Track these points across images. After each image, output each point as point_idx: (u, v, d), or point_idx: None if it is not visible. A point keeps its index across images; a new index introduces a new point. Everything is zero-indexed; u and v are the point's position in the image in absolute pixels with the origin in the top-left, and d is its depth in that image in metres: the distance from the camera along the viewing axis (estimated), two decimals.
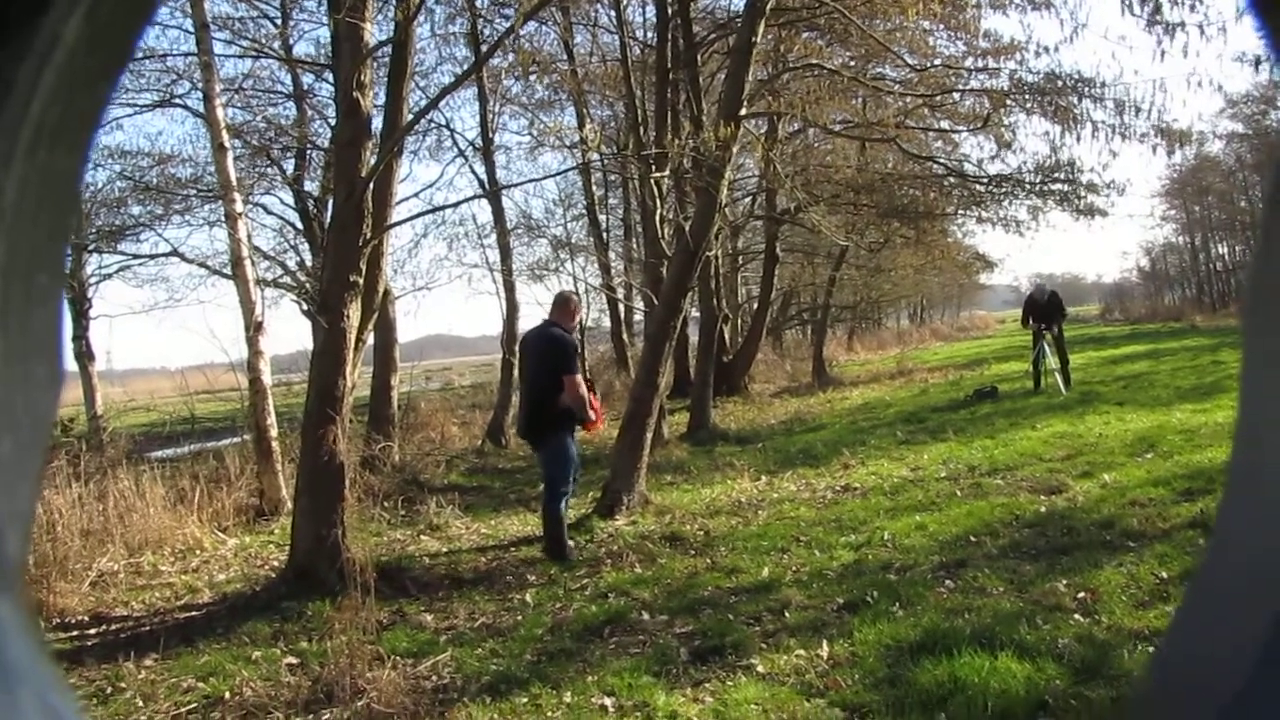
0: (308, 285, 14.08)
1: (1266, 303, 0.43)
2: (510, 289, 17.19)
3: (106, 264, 19.25)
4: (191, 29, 12.04)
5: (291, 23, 17.17)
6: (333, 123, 14.42)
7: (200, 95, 12.30)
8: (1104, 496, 8.12)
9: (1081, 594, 5.63)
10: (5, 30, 0.41)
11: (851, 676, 4.77)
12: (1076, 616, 5.27)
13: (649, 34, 18.51)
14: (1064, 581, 5.90)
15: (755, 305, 26.38)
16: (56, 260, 0.48)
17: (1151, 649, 4.66)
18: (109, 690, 5.54)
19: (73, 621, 7.01)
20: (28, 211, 0.43)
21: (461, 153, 18.59)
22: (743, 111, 10.24)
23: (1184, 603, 0.47)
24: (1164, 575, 5.77)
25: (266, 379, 10.71)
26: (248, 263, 10.60)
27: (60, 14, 0.42)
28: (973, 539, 7.26)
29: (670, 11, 14.48)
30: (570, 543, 8.15)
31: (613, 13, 17.03)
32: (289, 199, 19.55)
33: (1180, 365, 19.23)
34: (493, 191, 16.45)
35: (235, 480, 10.86)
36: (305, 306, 15.23)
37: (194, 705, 5.15)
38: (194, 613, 7.15)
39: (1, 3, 0.41)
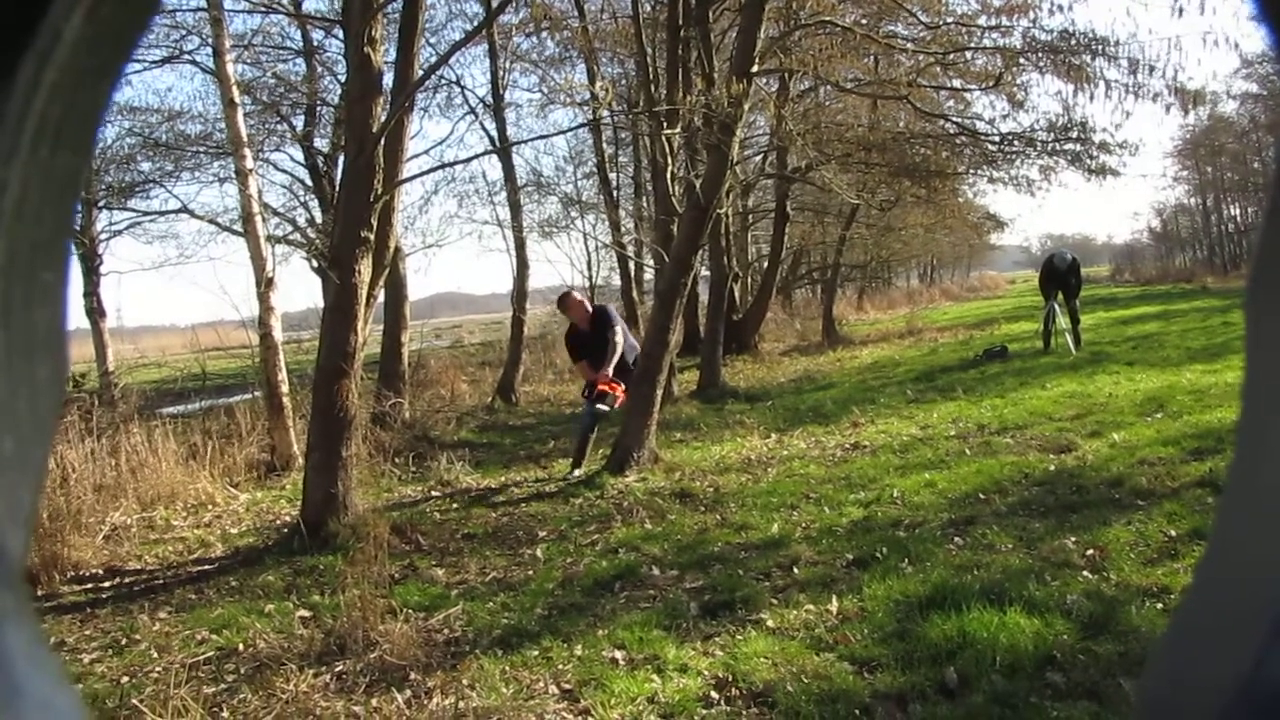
0: (318, 242, 14.06)
1: (1276, 285, 0.42)
2: (520, 246, 17.17)
3: (117, 220, 19.23)
4: None
5: None
6: (343, 79, 14.38)
7: (210, 51, 12.26)
8: (1113, 455, 8.13)
9: (1090, 551, 5.64)
10: (6, 28, 0.41)
11: (861, 631, 4.80)
12: (1085, 573, 5.29)
13: None
14: (1073, 539, 5.92)
15: (766, 264, 26.33)
16: (60, 258, 0.48)
17: (1160, 605, 4.68)
18: (124, 642, 5.60)
19: (87, 574, 7.08)
20: (31, 209, 0.43)
21: (472, 109, 18.57)
22: (754, 68, 10.17)
23: (1182, 606, 0.47)
24: (1172, 533, 5.78)
25: (278, 335, 10.74)
26: (258, 219, 10.60)
27: (62, 11, 0.42)
28: (982, 496, 7.27)
29: None
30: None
31: None
32: (299, 155, 19.56)
33: (1190, 326, 19.16)
34: (503, 148, 16.39)
35: (246, 436, 10.91)
36: (316, 263, 15.22)
37: (208, 656, 5.21)
38: (207, 566, 7.22)
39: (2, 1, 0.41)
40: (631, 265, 20.79)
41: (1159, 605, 4.68)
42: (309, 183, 19.34)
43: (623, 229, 21.72)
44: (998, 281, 79.52)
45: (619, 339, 9.50)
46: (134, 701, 4.43)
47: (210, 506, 9.03)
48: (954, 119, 19.63)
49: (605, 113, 16.29)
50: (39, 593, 6.65)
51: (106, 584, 6.90)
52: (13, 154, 0.42)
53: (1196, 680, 0.43)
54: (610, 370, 9.47)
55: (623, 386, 9.62)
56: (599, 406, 9.59)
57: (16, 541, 0.42)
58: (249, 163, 10.79)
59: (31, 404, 0.44)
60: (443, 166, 18.75)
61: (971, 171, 22.39)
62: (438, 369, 18.82)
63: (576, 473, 9.61)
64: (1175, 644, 0.46)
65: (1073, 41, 14.48)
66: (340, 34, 13.41)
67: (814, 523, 7.04)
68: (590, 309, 9.78)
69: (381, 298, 9.90)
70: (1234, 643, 0.40)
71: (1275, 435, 0.41)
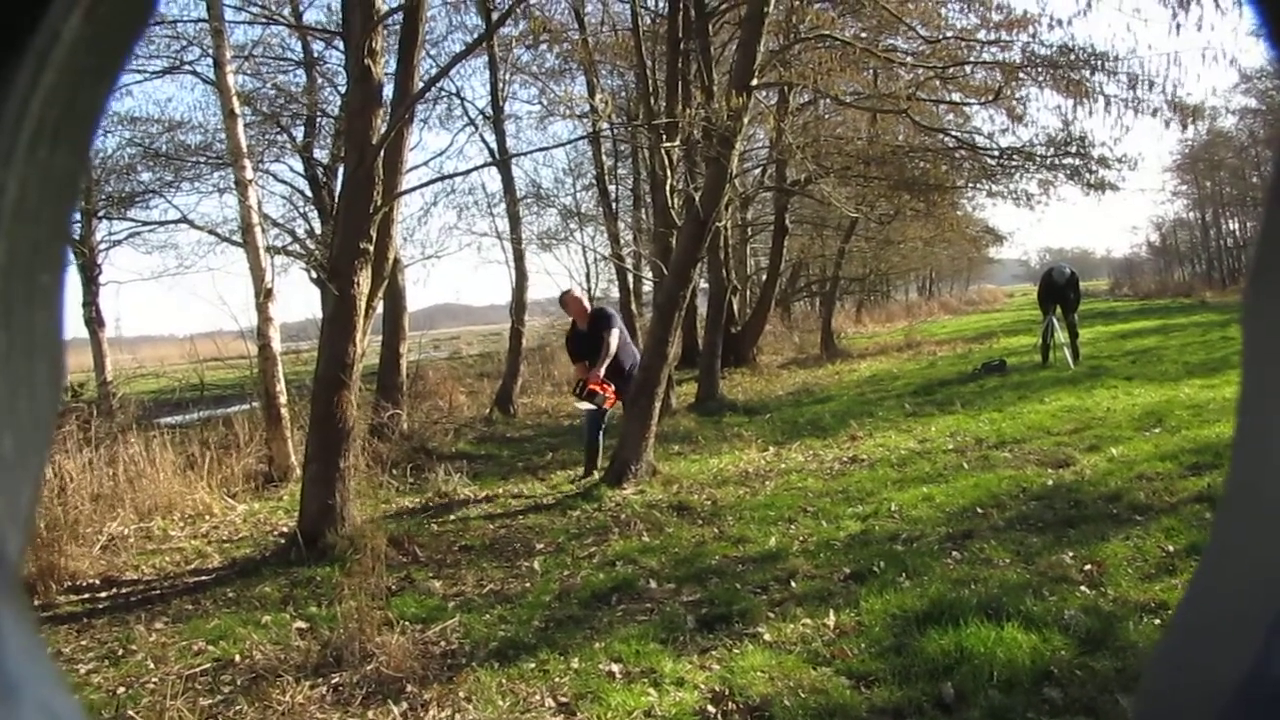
0: (317, 253, 14.08)
1: (1271, 299, 0.42)
2: (519, 258, 17.17)
3: (116, 230, 19.24)
4: None
5: None
6: (343, 90, 14.40)
7: (210, 62, 12.30)
8: (1111, 470, 8.13)
9: (1088, 566, 5.64)
10: (4, 29, 0.41)
11: (858, 645, 4.79)
12: (1083, 588, 5.28)
13: (660, 3, 18.40)
14: (1070, 553, 5.92)
15: (764, 277, 26.33)
16: (58, 259, 0.48)
17: (1158, 621, 4.68)
18: (120, 652, 5.59)
19: (84, 584, 7.07)
20: (29, 210, 0.44)
21: (472, 121, 18.56)
22: (754, 82, 10.18)
23: (1182, 608, 0.47)
24: (1170, 548, 5.78)
25: (276, 346, 10.75)
26: (257, 230, 10.62)
27: (60, 12, 0.42)
28: (980, 511, 7.27)
29: None
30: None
31: None
32: (298, 166, 19.63)
33: (1189, 341, 19.18)
34: (502, 160, 16.41)
35: (244, 447, 10.90)
36: (314, 274, 15.23)
37: (205, 667, 5.20)
38: (204, 577, 7.21)
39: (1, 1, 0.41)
40: (630, 278, 20.75)
41: (1156, 621, 4.68)
42: (308, 194, 19.39)
43: (622, 241, 21.68)
44: (996, 295, 79.58)
45: (614, 340, 9.61)
46: (130, 713, 4.43)
47: (208, 517, 9.03)
48: (953, 133, 19.69)
49: (605, 125, 16.34)
50: (35, 603, 6.64)
51: (103, 594, 6.89)
52: (11, 155, 0.43)
53: (1196, 680, 0.43)
54: (601, 370, 9.57)
55: (613, 388, 9.64)
56: (585, 405, 9.80)
57: (15, 544, 0.42)
58: (249, 173, 10.81)
59: (31, 403, 0.44)
60: (442, 178, 18.87)
61: (970, 185, 22.43)
62: (436, 380, 18.82)
63: (593, 475, 9.81)
64: (1175, 645, 0.46)
65: (1072, 57, 14.52)
66: (341, 45, 13.45)
67: (811, 536, 7.04)
68: (589, 308, 9.94)
69: (380, 309, 9.90)
70: (1233, 643, 0.40)
71: (1271, 441, 0.41)
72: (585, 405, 9.74)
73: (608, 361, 9.53)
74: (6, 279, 0.42)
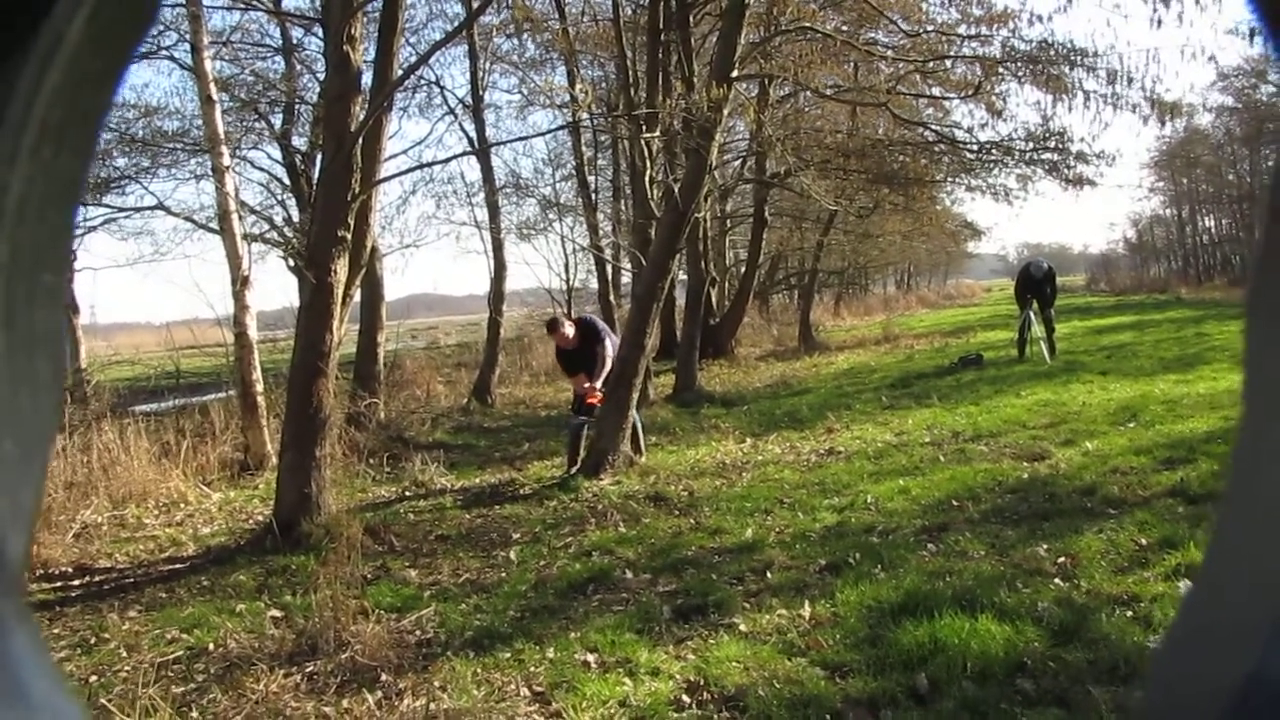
0: (295, 241, 14.00)
1: (1273, 300, 0.42)
2: (498, 248, 17.12)
3: (91, 216, 19.03)
4: None
5: None
6: (322, 77, 14.32)
7: (188, 47, 12.18)
8: (1086, 464, 8.17)
9: (1062, 559, 5.68)
10: (7, 31, 0.41)
11: (833, 636, 4.81)
12: (1056, 581, 5.32)
13: None
14: (1044, 546, 5.96)
15: (743, 269, 26.34)
16: (60, 259, 0.47)
17: (1130, 613, 4.72)
18: (93, 640, 5.57)
19: (56, 573, 7.03)
20: (31, 211, 0.43)
21: (451, 110, 18.52)
22: (734, 73, 10.19)
23: (1184, 609, 0.47)
24: (1143, 542, 5.82)
25: (253, 334, 10.70)
26: (235, 217, 10.55)
27: (63, 14, 0.42)
28: (955, 503, 7.30)
29: None
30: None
31: None
32: (276, 154, 19.45)
33: (1164, 337, 19.30)
34: (482, 149, 16.35)
35: (220, 435, 10.87)
36: (292, 262, 15.16)
37: (178, 656, 5.18)
38: (178, 565, 7.18)
39: (3, 3, 0.41)
40: (609, 268, 20.70)
41: (1129, 613, 4.72)
42: (286, 181, 19.25)
43: (601, 232, 21.61)
44: (974, 289, 79.85)
45: (609, 355, 9.68)
46: (102, 701, 4.41)
47: (182, 505, 8.99)
48: (933, 127, 19.69)
49: (585, 115, 16.29)
50: None
51: (76, 582, 6.85)
52: (14, 156, 0.42)
53: (1198, 683, 0.43)
54: (599, 383, 9.64)
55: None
56: (582, 419, 9.84)
57: (17, 545, 0.41)
58: (226, 160, 10.74)
59: (34, 404, 0.44)
60: (421, 167, 18.71)
61: (949, 179, 22.50)
62: (413, 370, 18.77)
63: (573, 470, 9.70)
64: (1177, 647, 0.46)
65: (1052, 52, 14.56)
66: (320, 32, 13.36)
67: (788, 528, 7.06)
68: (573, 332, 9.76)
69: (357, 297, 9.87)
70: (1235, 646, 0.40)
71: (1274, 438, 0.41)
72: (587, 419, 9.77)
73: (605, 374, 9.57)
74: (9, 279, 0.42)
